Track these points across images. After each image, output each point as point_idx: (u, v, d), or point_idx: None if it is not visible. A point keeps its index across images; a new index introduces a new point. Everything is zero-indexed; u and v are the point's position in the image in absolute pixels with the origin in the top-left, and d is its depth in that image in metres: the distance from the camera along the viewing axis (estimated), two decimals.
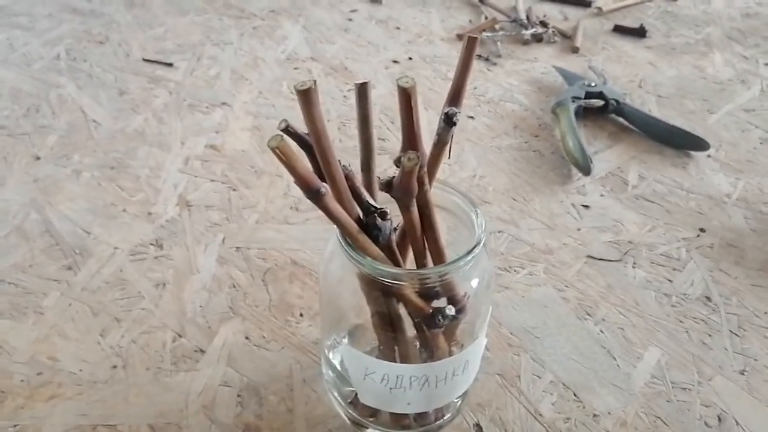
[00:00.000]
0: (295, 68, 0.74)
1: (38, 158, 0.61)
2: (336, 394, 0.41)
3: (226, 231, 0.54)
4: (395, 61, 0.77)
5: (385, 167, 0.61)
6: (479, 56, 0.77)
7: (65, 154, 0.61)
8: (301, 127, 0.31)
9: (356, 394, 0.38)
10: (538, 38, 0.81)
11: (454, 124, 0.32)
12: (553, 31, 0.81)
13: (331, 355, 0.39)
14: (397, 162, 0.29)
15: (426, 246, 0.34)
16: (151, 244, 0.53)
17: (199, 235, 0.53)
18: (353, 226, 0.31)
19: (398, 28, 0.83)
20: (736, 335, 0.47)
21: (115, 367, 0.44)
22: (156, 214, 0.55)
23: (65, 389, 0.42)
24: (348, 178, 0.32)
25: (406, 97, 0.29)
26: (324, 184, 0.30)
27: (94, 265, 0.51)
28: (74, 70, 0.72)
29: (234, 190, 0.58)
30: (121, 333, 0.46)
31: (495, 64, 0.77)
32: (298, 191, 0.59)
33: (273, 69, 0.74)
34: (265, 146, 0.63)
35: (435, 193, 0.34)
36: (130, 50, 0.76)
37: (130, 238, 0.53)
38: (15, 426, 0.40)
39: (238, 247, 0.53)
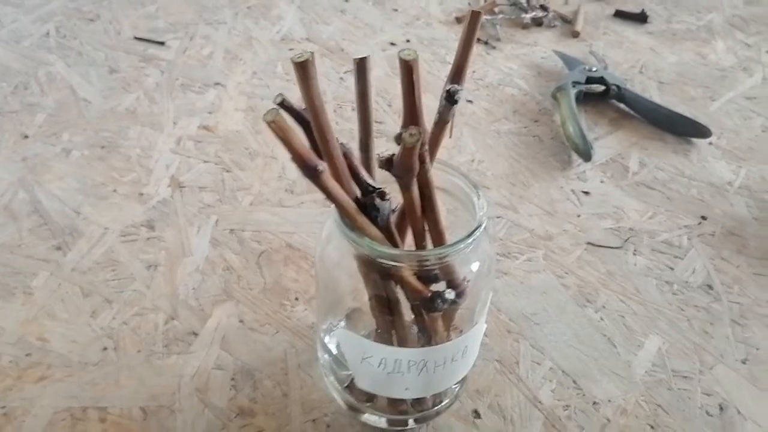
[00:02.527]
0: (290, 49, 0.73)
1: (26, 136, 0.59)
2: (332, 378, 0.40)
3: (219, 213, 0.53)
4: (392, 44, 0.75)
5: (381, 149, 0.60)
6: (478, 40, 0.76)
7: (54, 132, 0.60)
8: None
9: (352, 379, 0.37)
10: (538, 22, 0.80)
11: (456, 102, 0.31)
12: (553, 15, 0.80)
13: (327, 339, 0.39)
14: (398, 139, 0.28)
15: (426, 227, 0.33)
16: (143, 225, 0.51)
17: (191, 217, 0.52)
18: (351, 206, 0.30)
19: (396, 9, 0.82)
20: (738, 324, 0.47)
21: (105, 348, 0.43)
22: (147, 194, 0.54)
23: (55, 371, 0.41)
24: (346, 156, 0.31)
25: (408, 71, 0.28)
26: (322, 161, 0.29)
27: (84, 246, 0.49)
28: (64, 48, 0.71)
29: (227, 171, 0.57)
30: (112, 314, 0.45)
31: (494, 47, 0.76)
32: (293, 174, 0.58)
33: (267, 49, 0.73)
34: (260, 127, 0.62)
35: (435, 174, 0.33)
36: (121, 28, 0.75)
37: (121, 219, 0.52)
38: (3, 407, 0.39)
39: (231, 230, 0.51)
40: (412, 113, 0.29)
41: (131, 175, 0.56)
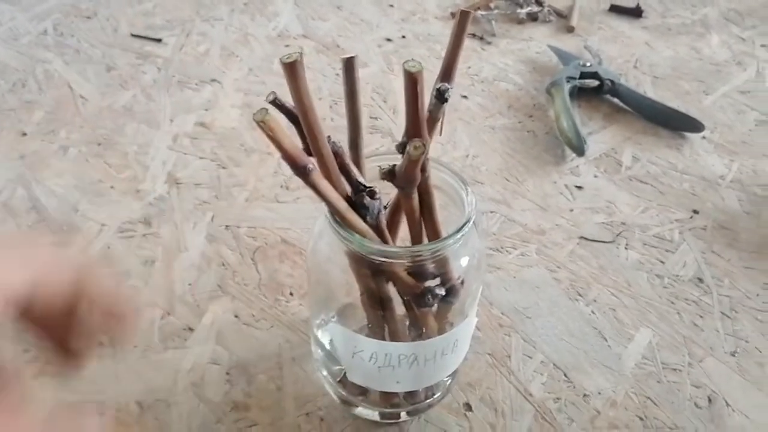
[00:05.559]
0: (287, 45, 0.73)
1: (24, 134, 0.60)
2: (325, 372, 0.41)
3: (215, 209, 0.53)
4: (388, 39, 0.76)
5: (376, 146, 0.61)
6: (473, 35, 0.77)
7: (52, 129, 0.60)
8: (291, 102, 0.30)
9: (345, 373, 0.38)
10: (533, 17, 0.80)
11: (446, 100, 0.31)
12: (548, 10, 0.80)
13: (320, 334, 0.39)
14: (400, 148, 0.29)
15: (423, 230, 0.34)
16: (140, 222, 0.52)
17: (187, 213, 0.53)
18: (341, 204, 0.31)
19: (392, 5, 0.82)
20: (728, 317, 0.47)
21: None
22: (144, 191, 0.55)
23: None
24: (337, 154, 0.31)
25: (413, 83, 0.28)
26: (312, 159, 0.29)
27: (81, 242, 0.50)
28: (61, 46, 0.71)
29: (223, 168, 0.57)
30: None
31: (489, 43, 0.76)
32: (288, 170, 0.59)
33: (264, 46, 0.73)
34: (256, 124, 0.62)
35: None
36: (119, 25, 0.75)
37: (118, 215, 0.52)
38: None
39: (227, 226, 0.52)
40: (415, 125, 0.29)
41: (128, 171, 0.56)
